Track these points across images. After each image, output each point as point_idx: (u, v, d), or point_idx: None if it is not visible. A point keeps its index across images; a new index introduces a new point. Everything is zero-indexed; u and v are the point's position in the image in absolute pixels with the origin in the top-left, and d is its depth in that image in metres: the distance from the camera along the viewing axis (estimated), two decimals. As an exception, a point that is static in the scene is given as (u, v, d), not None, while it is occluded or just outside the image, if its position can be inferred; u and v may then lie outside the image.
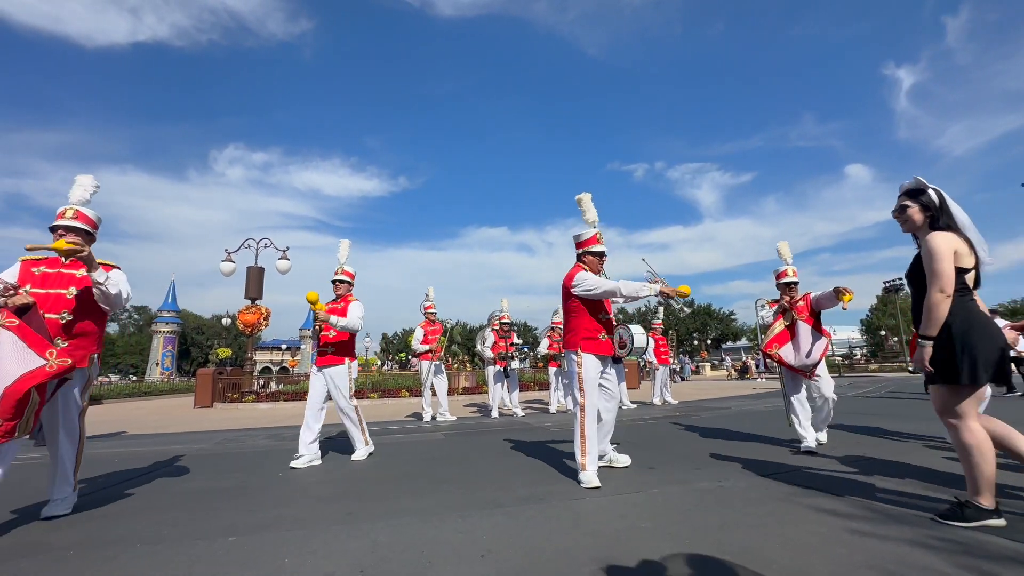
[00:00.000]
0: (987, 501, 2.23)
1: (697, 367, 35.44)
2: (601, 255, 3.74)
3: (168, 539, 2.43)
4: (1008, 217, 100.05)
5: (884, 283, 46.03)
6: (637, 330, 3.71)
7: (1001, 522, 2.21)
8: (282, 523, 2.64)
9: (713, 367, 36.51)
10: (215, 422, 8.88)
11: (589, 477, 3.17)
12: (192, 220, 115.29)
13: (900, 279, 43.75)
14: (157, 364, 47.96)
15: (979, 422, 2.27)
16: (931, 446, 4.16)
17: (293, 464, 4.17)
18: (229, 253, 14.50)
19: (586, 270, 3.62)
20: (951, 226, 2.35)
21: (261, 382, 15.74)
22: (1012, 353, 10.96)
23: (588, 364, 3.40)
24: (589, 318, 3.52)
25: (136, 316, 65.40)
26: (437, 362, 8.00)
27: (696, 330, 54.35)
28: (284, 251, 15.02)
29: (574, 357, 3.45)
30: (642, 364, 9.91)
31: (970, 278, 2.32)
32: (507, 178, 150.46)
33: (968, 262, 2.30)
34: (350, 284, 4.90)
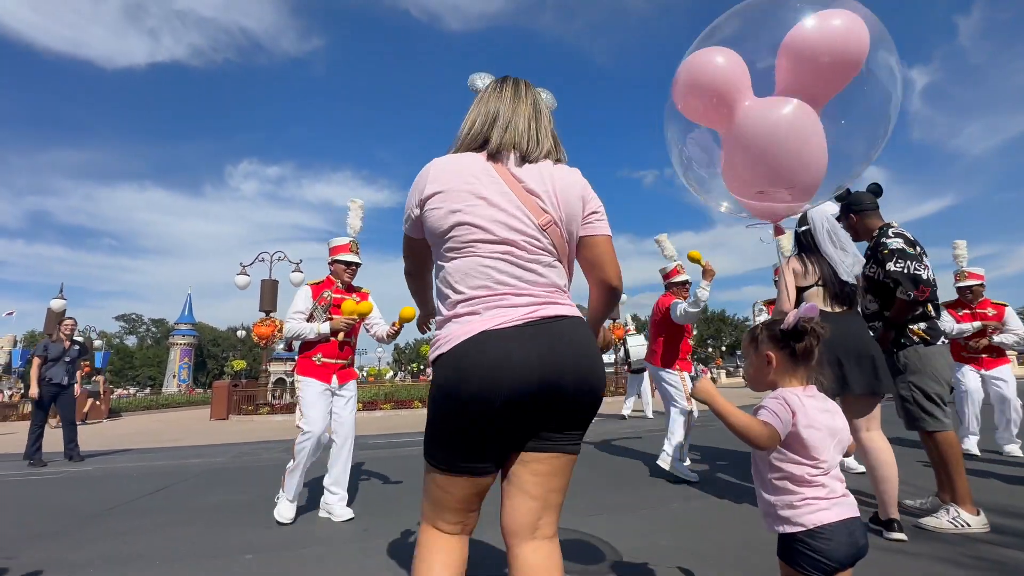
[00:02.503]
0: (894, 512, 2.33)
1: (712, 374, 34.98)
2: (685, 284, 4.23)
3: (186, 557, 2.44)
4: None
5: (903, 286, 45.13)
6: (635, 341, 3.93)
7: (901, 536, 2.25)
8: (298, 540, 2.64)
9: (728, 374, 36.00)
10: (231, 435, 8.95)
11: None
12: (208, 234, 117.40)
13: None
14: (174, 376, 48.65)
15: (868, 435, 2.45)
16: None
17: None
18: (244, 266, 14.71)
19: (677, 299, 4.05)
20: (810, 250, 2.64)
21: (276, 392, 15.89)
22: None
23: (687, 380, 3.92)
24: (682, 339, 4.04)
25: (154, 329, 66.63)
26: None
27: (710, 336, 53.72)
28: (297, 264, 15.19)
29: (671, 373, 3.95)
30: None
31: (813, 293, 2.55)
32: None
33: (805, 281, 2.57)
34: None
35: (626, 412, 9.32)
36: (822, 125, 2.01)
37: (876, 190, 2.86)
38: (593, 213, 1.23)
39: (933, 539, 2.25)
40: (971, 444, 4.32)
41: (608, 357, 9.89)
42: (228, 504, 3.53)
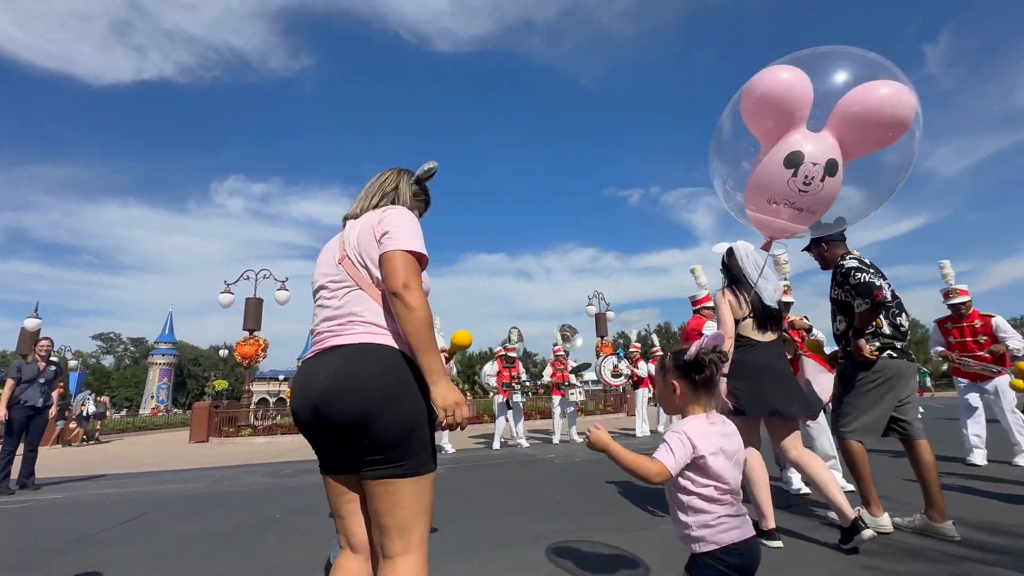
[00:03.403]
0: (770, 523, 2.52)
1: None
2: (713, 310, 4.31)
3: (162, 590, 2.34)
4: (1002, 235, 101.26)
5: (882, 303, 46.07)
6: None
7: (778, 544, 2.46)
8: (281, 569, 2.55)
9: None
10: (211, 458, 8.69)
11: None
12: (191, 251, 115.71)
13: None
14: (152, 397, 47.25)
15: (794, 452, 2.65)
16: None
17: None
18: (228, 284, 14.49)
19: (711, 321, 4.28)
20: (739, 282, 2.86)
21: (259, 413, 15.51)
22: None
23: None
24: None
25: (132, 348, 64.91)
26: None
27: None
28: (283, 282, 15.02)
29: None
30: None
31: (746, 325, 2.77)
32: (505, 204, 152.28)
33: (739, 313, 2.79)
34: None
35: (639, 432, 9.06)
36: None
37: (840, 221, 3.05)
38: (384, 235, 1.33)
39: (920, 556, 2.26)
40: (975, 457, 4.60)
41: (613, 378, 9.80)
42: (208, 533, 3.40)
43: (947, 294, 5.07)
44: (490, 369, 8.78)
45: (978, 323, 4.85)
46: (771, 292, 2.82)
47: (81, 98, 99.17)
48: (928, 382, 22.87)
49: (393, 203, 1.50)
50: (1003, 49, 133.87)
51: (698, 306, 4.86)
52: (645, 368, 9.35)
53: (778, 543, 2.48)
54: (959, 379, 5.04)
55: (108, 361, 63.10)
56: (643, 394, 9.40)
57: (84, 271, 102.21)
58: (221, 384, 24.50)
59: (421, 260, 1.33)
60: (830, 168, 2.18)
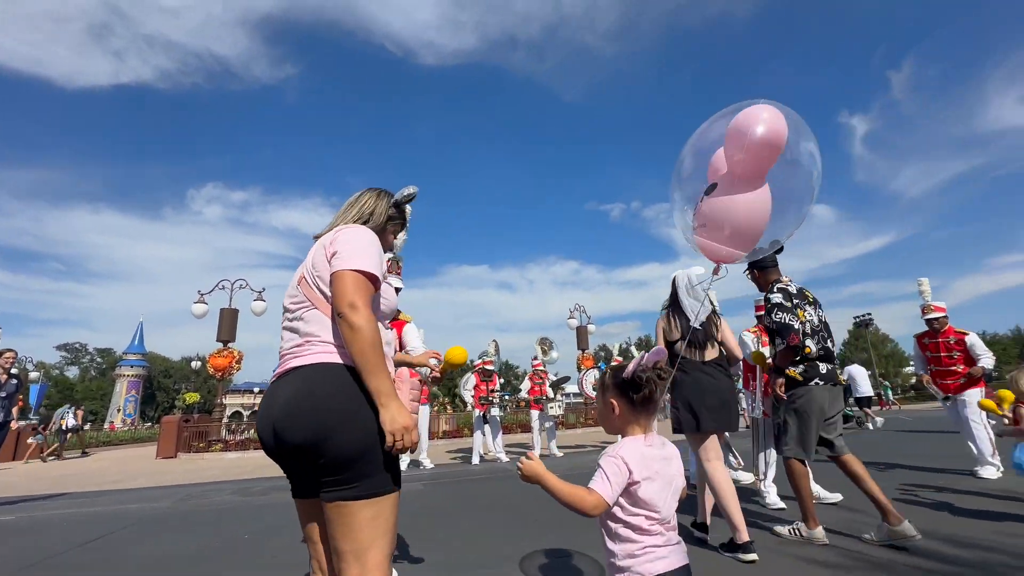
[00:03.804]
0: (743, 536, 2.56)
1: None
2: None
3: (117, 619, 2.21)
4: (965, 253, 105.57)
5: (854, 318, 47.44)
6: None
7: (752, 557, 2.49)
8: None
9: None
10: (179, 475, 8.36)
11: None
12: (166, 259, 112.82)
13: (869, 314, 45.20)
14: (119, 410, 45.41)
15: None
16: (907, 487, 4.16)
17: None
18: (202, 294, 14.12)
19: (748, 332, 4.34)
20: (675, 308, 3.09)
21: (231, 427, 15.01)
22: (869, 393, 11.47)
23: None
24: None
25: (99, 359, 62.47)
26: (423, 405, 7.79)
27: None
28: (260, 292, 14.70)
29: None
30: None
31: (681, 346, 2.97)
32: (487, 217, 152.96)
33: (672, 336, 3.03)
34: None
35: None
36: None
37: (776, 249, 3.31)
38: (334, 254, 1.33)
39: (891, 571, 2.29)
40: (985, 472, 4.50)
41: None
42: (170, 556, 3.25)
43: (924, 309, 5.25)
44: (467, 383, 8.72)
45: (952, 339, 5.00)
46: (701, 314, 2.99)
47: (53, 100, 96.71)
48: (890, 396, 23.51)
49: (366, 224, 1.49)
50: (962, 77, 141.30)
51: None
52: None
53: (753, 556, 2.50)
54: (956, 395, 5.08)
55: (73, 373, 60.57)
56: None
57: (50, 279, 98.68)
58: (192, 397, 23.80)
59: (372, 280, 1.31)
60: (707, 189, 2.38)
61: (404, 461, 7.63)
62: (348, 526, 1.17)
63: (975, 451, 4.66)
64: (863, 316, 44.91)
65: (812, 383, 2.95)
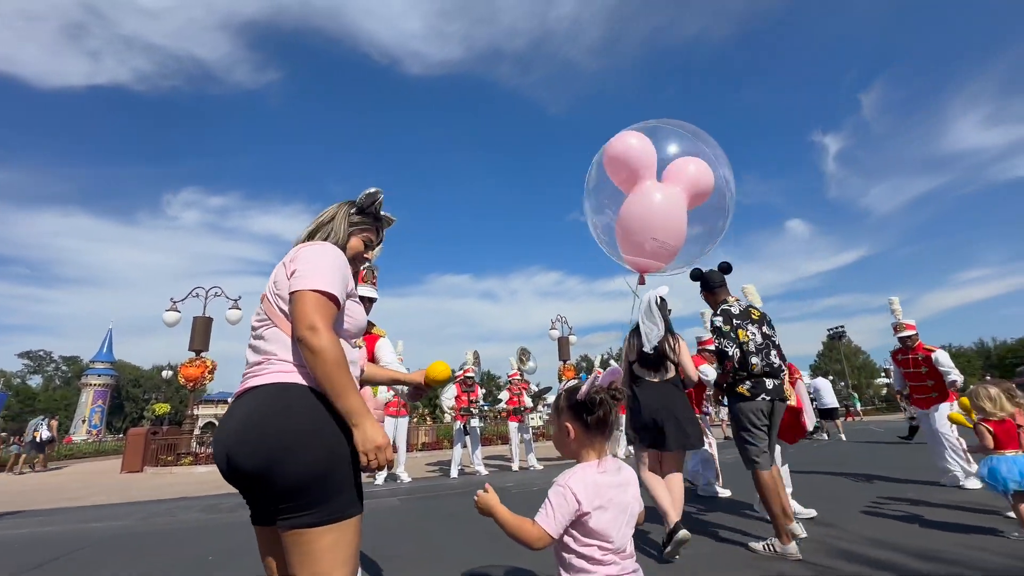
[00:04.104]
0: (672, 519, 2.80)
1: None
2: (712, 352, 4.55)
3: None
4: (932, 268, 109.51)
5: (828, 330, 48.55)
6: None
7: (684, 534, 2.72)
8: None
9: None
10: (145, 491, 8.03)
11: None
12: (139, 264, 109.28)
13: (842, 326, 46.38)
14: (84, 421, 43.62)
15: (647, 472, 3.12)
16: (879, 499, 4.23)
17: None
18: (175, 302, 13.70)
19: (707, 363, 4.39)
20: (634, 329, 3.33)
21: (203, 439, 14.53)
22: (834, 405, 12.09)
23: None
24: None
25: (64, 368, 60.04)
26: (402, 417, 7.68)
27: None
28: (236, 300, 14.36)
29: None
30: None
31: (636, 366, 3.25)
32: (471, 226, 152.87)
33: (631, 356, 3.28)
34: None
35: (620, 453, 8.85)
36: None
37: (725, 268, 3.46)
38: (293, 273, 1.28)
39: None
40: (969, 483, 4.58)
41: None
42: (128, 579, 3.09)
43: (896, 328, 5.47)
44: (448, 394, 8.62)
45: (921, 356, 5.18)
46: (653, 336, 3.16)
47: (24, 101, 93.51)
48: (858, 406, 24.27)
49: (327, 236, 1.46)
50: (926, 100, 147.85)
51: (701, 346, 4.96)
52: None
53: (684, 534, 2.72)
54: (920, 409, 5.29)
55: (36, 381, 58.07)
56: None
57: (14, 283, 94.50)
58: (162, 408, 22.96)
59: (333, 300, 1.26)
60: None
61: (381, 475, 7.48)
62: (307, 554, 1.12)
63: (950, 465, 4.75)
64: (837, 328, 46.01)
65: (759, 398, 3.07)
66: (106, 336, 48.81)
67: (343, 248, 1.45)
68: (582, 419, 1.29)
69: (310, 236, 1.47)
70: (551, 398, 13.48)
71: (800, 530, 2.87)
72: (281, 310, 1.30)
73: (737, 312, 3.24)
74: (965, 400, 3.32)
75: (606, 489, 1.22)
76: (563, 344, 18.13)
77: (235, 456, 1.17)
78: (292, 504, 1.13)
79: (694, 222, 2.91)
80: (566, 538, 1.22)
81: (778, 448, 4.01)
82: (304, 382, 1.23)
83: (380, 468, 1.18)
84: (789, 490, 3.87)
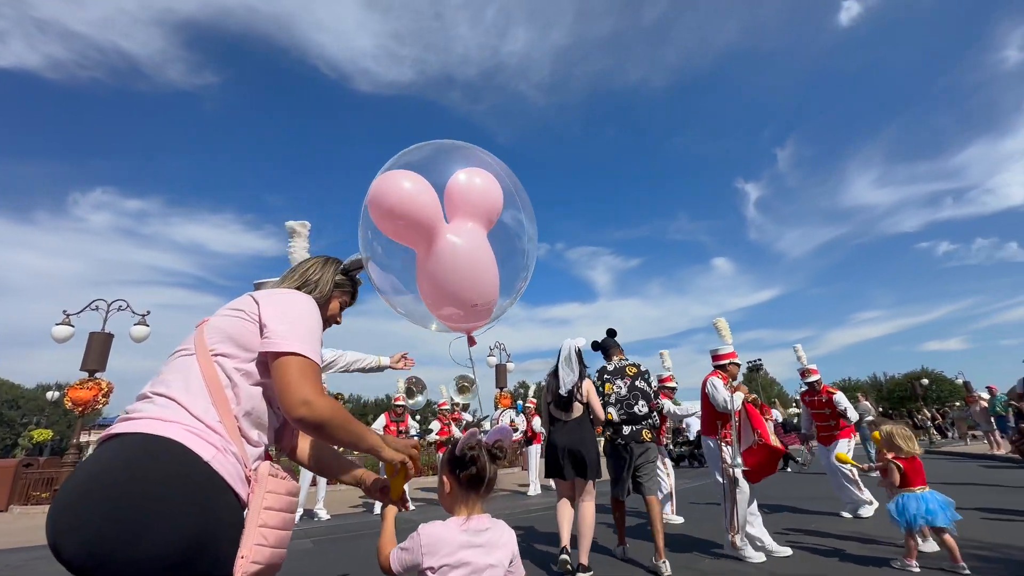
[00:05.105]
0: (583, 559, 3.30)
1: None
2: (739, 365, 4.61)
3: None
4: (835, 308, 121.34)
5: (748, 362, 52.23)
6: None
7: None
8: None
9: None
10: (7, 534, 6.84)
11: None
12: (33, 268, 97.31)
13: (760, 359, 50.00)
14: (-60, 449, 37.16)
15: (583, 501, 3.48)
16: (787, 530, 4.44)
17: None
18: (68, 315, 12.16)
19: (719, 377, 4.27)
20: (554, 372, 3.72)
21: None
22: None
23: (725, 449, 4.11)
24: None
25: (-79, 386, 51.15)
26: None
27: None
28: (143, 315, 12.97)
29: (712, 440, 4.12)
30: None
31: (551, 409, 3.72)
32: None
33: (548, 397, 3.75)
34: None
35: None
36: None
37: (611, 333, 4.19)
38: (265, 327, 1.13)
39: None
40: (864, 512, 5.00)
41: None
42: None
43: (802, 373, 6.05)
44: (377, 424, 8.20)
45: (824, 397, 5.73)
46: (568, 381, 3.55)
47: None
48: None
49: (312, 290, 1.39)
50: (830, 158, 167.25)
51: (718, 362, 4.54)
52: (538, 423, 9.35)
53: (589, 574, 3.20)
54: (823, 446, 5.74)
55: None
56: (536, 450, 9.37)
57: None
58: (43, 434, 20.05)
59: (316, 365, 1.14)
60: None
61: (298, 513, 6.89)
62: None
63: (847, 495, 5.20)
64: (755, 361, 49.50)
65: (616, 442, 3.75)
66: (-20, 350, 42.40)
67: (323, 307, 1.40)
68: (455, 474, 1.25)
69: (299, 290, 1.36)
70: (488, 425, 13.18)
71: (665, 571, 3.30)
72: (219, 343, 1.11)
73: (612, 369, 3.87)
74: (877, 435, 3.64)
75: (461, 549, 1.15)
76: (500, 371, 17.99)
77: (57, 537, 0.88)
78: None
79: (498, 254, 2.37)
80: None
81: (746, 485, 3.92)
82: (176, 438, 0.97)
83: (414, 473, 1.25)
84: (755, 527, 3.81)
